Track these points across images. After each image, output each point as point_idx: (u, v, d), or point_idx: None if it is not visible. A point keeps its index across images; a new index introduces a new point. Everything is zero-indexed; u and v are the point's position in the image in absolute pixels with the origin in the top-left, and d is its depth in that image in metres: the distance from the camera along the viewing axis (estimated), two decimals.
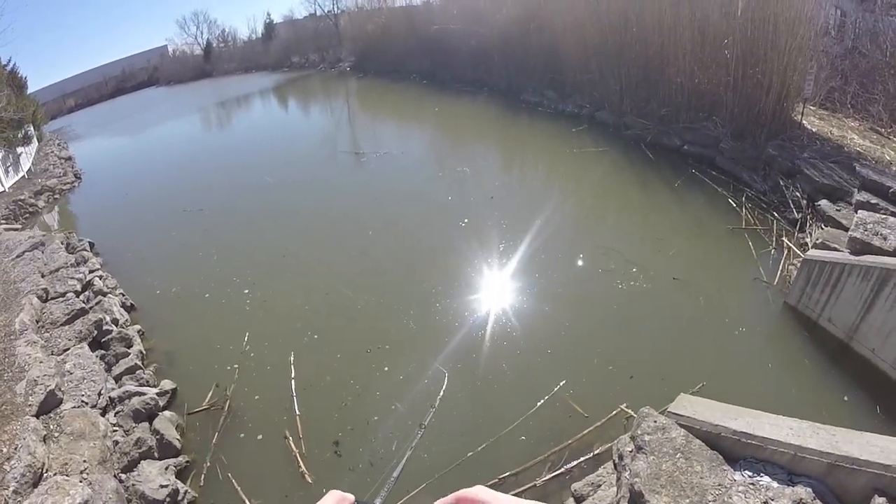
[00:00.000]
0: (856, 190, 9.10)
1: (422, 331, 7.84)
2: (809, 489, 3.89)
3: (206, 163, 18.85)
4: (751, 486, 3.99)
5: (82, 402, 6.43)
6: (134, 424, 6.44)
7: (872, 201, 8.52)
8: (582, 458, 5.51)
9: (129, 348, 7.99)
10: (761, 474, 4.10)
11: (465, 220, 11.01)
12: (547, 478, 5.38)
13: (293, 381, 7.07)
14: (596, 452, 5.55)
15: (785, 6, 12.02)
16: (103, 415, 6.43)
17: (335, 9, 50.38)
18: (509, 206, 11.65)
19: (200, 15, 73.52)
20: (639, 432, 4.64)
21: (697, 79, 14.48)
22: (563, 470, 5.42)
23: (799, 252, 8.75)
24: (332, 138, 20.58)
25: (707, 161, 13.37)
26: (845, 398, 6.20)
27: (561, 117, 19.25)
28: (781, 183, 10.91)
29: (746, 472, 4.15)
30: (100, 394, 6.66)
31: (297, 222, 11.92)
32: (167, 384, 7.29)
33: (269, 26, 62.31)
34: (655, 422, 4.66)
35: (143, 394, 6.81)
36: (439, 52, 28.44)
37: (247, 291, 9.33)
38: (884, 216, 7.77)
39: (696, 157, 13.71)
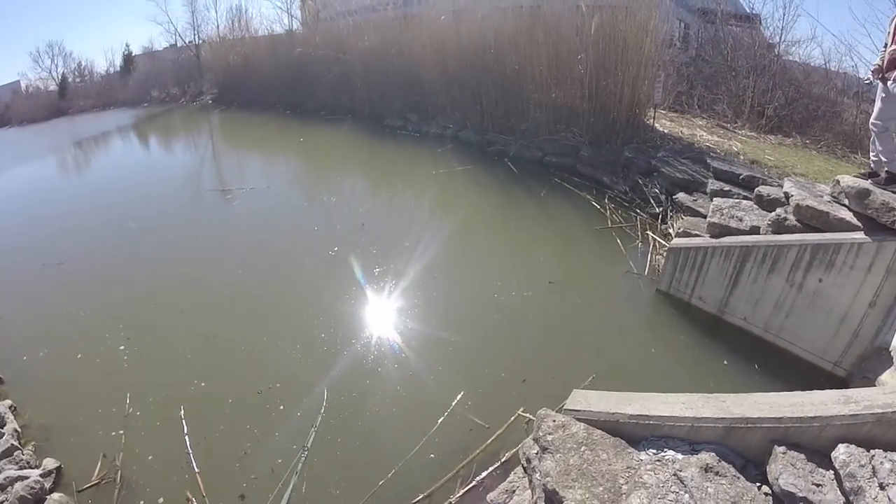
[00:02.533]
0: (709, 180, 9.64)
1: (311, 364, 7.30)
2: (713, 453, 3.94)
3: (64, 210, 17.17)
4: (657, 462, 3.98)
5: None
6: None
7: (725, 188, 9.12)
8: (491, 468, 5.31)
9: (2, 427, 6.83)
10: (665, 449, 4.11)
11: (335, 249, 10.63)
12: (461, 493, 5.10)
13: (187, 437, 6.31)
14: (503, 460, 5.38)
15: (632, 23, 12.80)
16: None
17: (196, 39, 47.99)
18: (380, 232, 11.35)
19: (55, 46, 67.08)
20: (541, 433, 4.50)
21: (554, 94, 14.95)
22: (475, 482, 5.19)
23: (664, 242, 9.11)
24: (197, 176, 19.51)
25: (569, 169, 13.73)
26: (725, 362, 6.59)
27: (425, 139, 19.25)
28: (640, 182, 11.38)
29: (651, 450, 4.14)
30: None
31: (166, 268, 10.94)
32: (50, 462, 6.15)
33: (128, 58, 58.09)
34: (555, 420, 4.55)
35: (26, 477, 5.77)
36: (303, 81, 27.89)
37: (122, 347, 8.33)
38: (737, 200, 8.37)
39: (558, 167, 14.05)
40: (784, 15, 17.15)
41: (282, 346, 7.83)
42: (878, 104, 6.36)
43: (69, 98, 57.98)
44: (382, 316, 8.42)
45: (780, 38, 15.80)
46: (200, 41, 47.36)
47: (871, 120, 6.49)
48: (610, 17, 13.27)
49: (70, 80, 62.14)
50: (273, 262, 10.62)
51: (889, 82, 6.07)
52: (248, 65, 33.35)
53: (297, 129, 24.93)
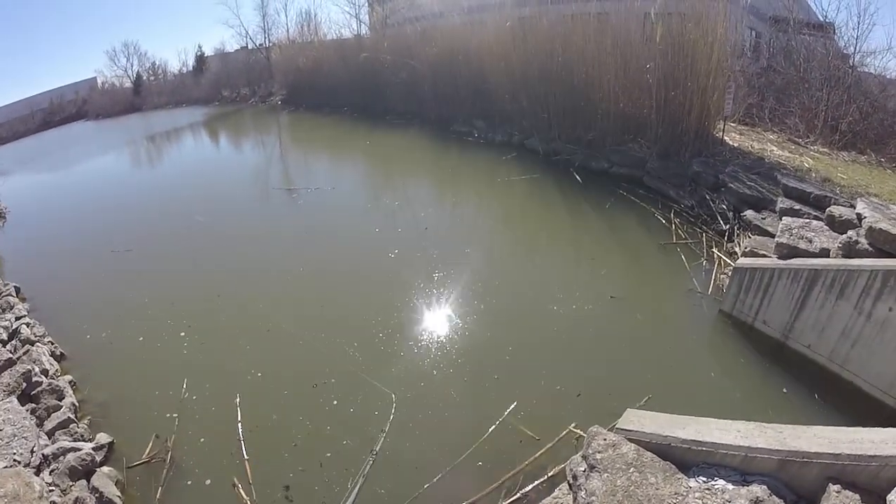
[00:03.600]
0: (779, 198, 9.43)
1: (367, 362, 7.57)
2: (764, 486, 3.93)
3: (135, 200, 18.07)
4: (707, 491, 3.99)
5: (14, 461, 5.87)
6: (71, 483, 5.89)
7: (795, 207, 8.88)
8: (537, 482, 5.40)
9: (60, 401, 7.33)
10: (715, 478, 4.11)
11: (396, 251, 10.90)
12: None
13: (240, 424, 6.62)
14: (550, 474, 5.45)
15: (701, 31, 12.57)
16: (38, 474, 5.89)
17: (266, 42, 49.47)
18: (442, 237, 11.56)
19: (131, 46, 69.94)
20: (590, 451, 4.59)
21: (622, 103, 14.90)
22: (519, 495, 5.29)
23: (729, 261, 8.98)
24: (265, 175, 20.15)
25: (635, 181, 13.68)
26: (784, 391, 6.44)
27: (491, 146, 19.43)
28: (707, 197, 11.26)
29: (701, 477, 4.15)
30: (32, 451, 6.11)
31: (231, 261, 11.45)
32: (103, 437, 6.63)
33: (200, 59, 60.61)
34: (605, 439, 4.62)
35: (79, 449, 6.28)
36: (370, 86, 28.44)
37: (183, 334, 8.82)
38: (807, 220, 8.17)
39: (624, 179, 14.00)
40: (859, 24, 15.87)
41: (339, 343, 8.12)
42: None
43: (143, 95, 60.41)
44: (440, 320, 8.59)
45: (855, 49, 15.16)
46: (271, 44, 48.81)
47: None
48: (678, 24, 13.14)
49: (144, 77, 64.77)
50: (334, 261, 11.02)
51: None
52: (316, 68, 34.11)
53: (364, 131, 25.37)
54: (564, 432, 5.99)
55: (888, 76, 15.14)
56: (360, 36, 33.82)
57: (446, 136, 22.09)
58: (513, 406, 6.49)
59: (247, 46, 54.33)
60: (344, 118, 29.90)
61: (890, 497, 3.59)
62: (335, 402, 6.89)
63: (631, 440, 4.61)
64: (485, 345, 7.83)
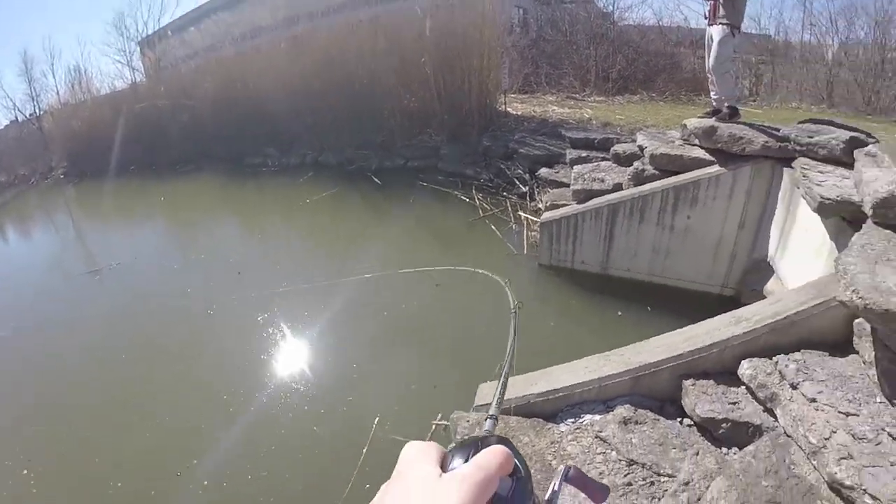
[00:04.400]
0: (567, 151, 9.73)
1: (223, 431, 6.61)
2: (627, 405, 4.00)
3: None
4: (577, 430, 4.00)
5: None
6: None
7: (583, 155, 9.19)
8: None
9: None
10: (581, 416, 4.16)
11: (213, 308, 9.88)
12: None
13: None
14: None
15: (468, 17, 13.02)
16: None
17: (37, 110, 44.52)
18: (257, 277, 10.69)
19: None
20: (457, 437, 4.40)
21: (405, 99, 14.90)
22: None
23: (536, 219, 9.08)
24: (59, 259, 18.09)
25: (432, 170, 13.51)
26: (619, 314, 6.76)
27: (287, 171, 18.54)
28: (503, 166, 11.33)
29: (568, 419, 4.19)
30: None
31: (44, 374, 9.78)
32: None
33: None
34: (468, 420, 4.45)
35: None
36: (153, 136, 26.50)
37: (25, 472, 7.18)
38: (596, 164, 8.57)
39: (421, 170, 13.82)
40: None
41: (185, 422, 7.00)
42: (714, 48, 6.80)
43: None
44: (279, 362, 7.80)
45: (614, 7, 17.11)
46: (42, 112, 44.07)
47: (711, 64, 6.96)
48: (447, 14, 13.43)
49: None
50: (154, 339, 9.61)
51: (715, 26, 6.70)
52: (93, 129, 31.30)
53: (155, 187, 23.56)
54: (433, 428, 5.59)
55: (646, 24, 17.53)
56: (135, 84, 31.69)
57: (240, 172, 20.90)
58: (377, 420, 5.90)
59: (16, 120, 49.18)
60: (132, 177, 27.69)
61: (740, 371, 3.89)
62: (206, 483, 5.86)
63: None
64: (330, 371, 7.28)
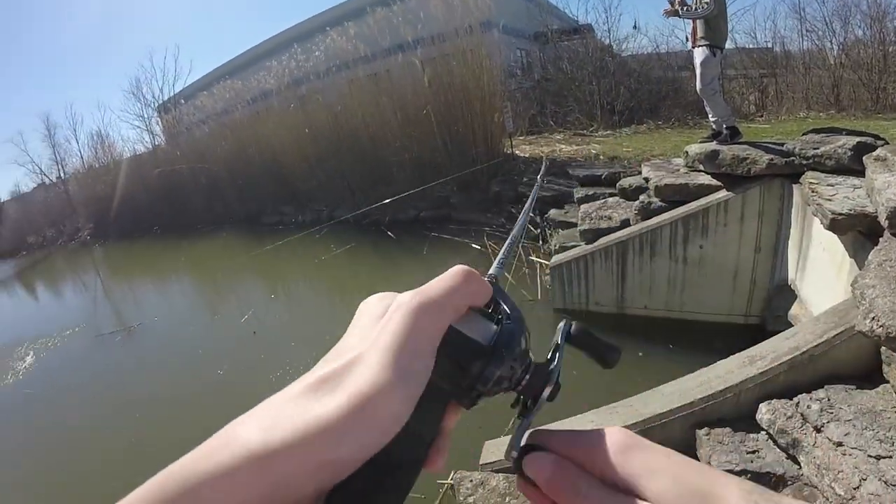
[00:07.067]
0: (574, 189, 9.66)
1: None
2: None
3: None
4: None
5: None
6: None
7: (590, 193, 9.06)
8: None
9: None
10: None
11: (223, 369, 9.75)
12: None
13: None
14: None
15: (467, 65, 13.21)
16: None
17: (62, 174, 45.23)
18: (272, 336, 10.60)
19: None
20: (461, 498, 4.18)
21: (412, 151, 15.05)
22: None
23: (548, 262, 8.82)
24: (90, 320, 18.25)
25: (445, 219, 13.57)
26: (640, 354, 6.44)
27: (303, 228, 18.60)
28: (514, 211, 11.27)
29: None
30: None
31: (60, 440, 9.71)
32: None
33: None
34: (472, 480, 4.23)
35: None
36: (173, 198, 27.28)
37: None
38: (603, 200, 8.38)
39: (433, 221, 13.87)
40: (608, 18, 19.45)
41: None
42: (698, 71, 6.80)
43: None
44: None
45: (610, 39, 17.79)
46: (67, 176, 44.92)
47: (698, 87, 6.94)
48: (444, 65, 13.66)
49: None
50: (173, 401, 9.58)
51: (697, 48, 6.71)
52: (116, 191, 32.27)
53: (177, 248, 24.03)
54: (441, 492, 5.29)
55: (645, 52, 17.81)
56: (155, 148, 32.41)
57: (258, 231, 21.25)
58: None
59: (44, 183, 50.15)
60: (155, 239, 28.30)
61: (758, 417, 3.56)
62: None
63: (496, 471, 4.28)
64: None
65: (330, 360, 0.44)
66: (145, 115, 36.35)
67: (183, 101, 31.89)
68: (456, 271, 0.50)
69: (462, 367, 0.45)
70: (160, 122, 35.24)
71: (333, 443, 0.36)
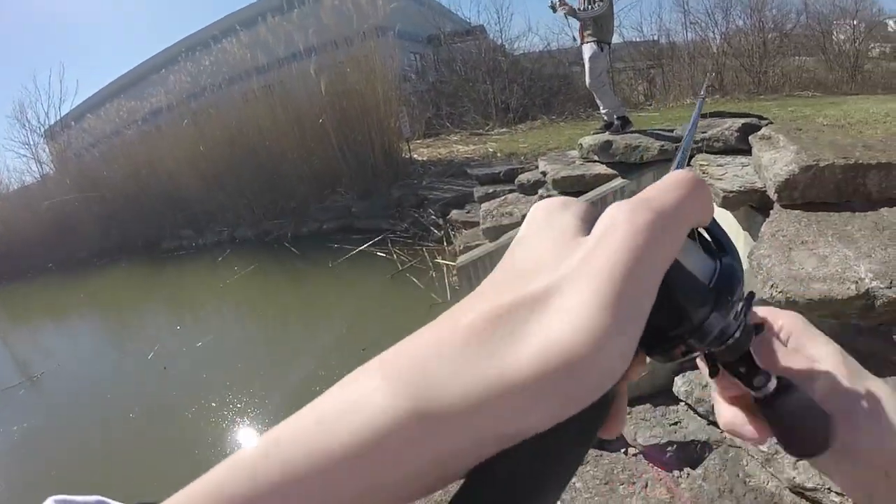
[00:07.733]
0: (474, 189, 9.76)
1: None
2: None
3: None
4: None
5: None
6: None
7: (490, 191, 9.14)
8: None
9: None
10: None
11: (135, 410, 9.14)
12: None
13: None
14: None
15: (361, 71, 13.26)
16: None
17: None
18: (182, 370, 10.03)
19: None
20: None
21: (310, 163, 14.88)
22: None
23: (454, 263, 8.76)
24: None
25: (348, 229, 13.27)
26: None
27: (204, 252, 17.99)
28: (416, 215, 11.20)
29: None
30: None
31: None
32: None
33: None
34: None
35: None
36: (66, 231, 25.64)
37: None
38: (503, 198, 8.50)
39: (337, 231, 13.63)
40: (499, 19, 20.82)
41: None
42: (587, 66, 7.06)
43: None
44: (211, 463, 7.13)
45: (502, 39, 18.68)
46: None
47: (588, 82, 7.23)
48: (339, 72, 13.62)
49: None
50: (81, 458, 8.87)
51: (585, 44, 6.96)
52: (6, 228, 30.35)
53: (74, 284, 22.63)
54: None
55: (537, 51, 18.68)
56: (44, 177, 30.70)
57: (157, 259, 20.24)
58: None
59: None
60: (51, 276, 26.57)
61: (675, 389, 3.64)
62: None
63: None
64: None
65: (502, 283, 0.29)
66: (31, 142, 34.28)
67: (73, 123, 30.21)
68: (682, 178, 0.32)
69: (681, 313, 0.31)
70: (48, 149, 33.50)
71: (521, 412, 0.24)
